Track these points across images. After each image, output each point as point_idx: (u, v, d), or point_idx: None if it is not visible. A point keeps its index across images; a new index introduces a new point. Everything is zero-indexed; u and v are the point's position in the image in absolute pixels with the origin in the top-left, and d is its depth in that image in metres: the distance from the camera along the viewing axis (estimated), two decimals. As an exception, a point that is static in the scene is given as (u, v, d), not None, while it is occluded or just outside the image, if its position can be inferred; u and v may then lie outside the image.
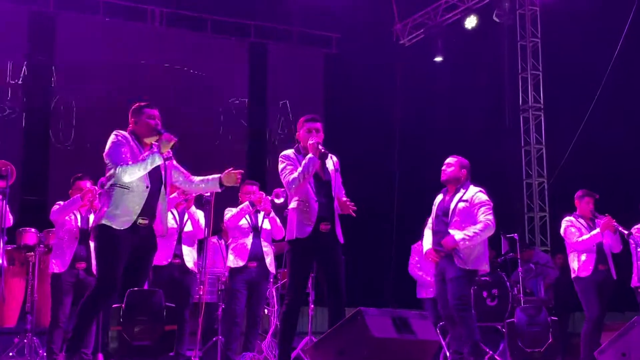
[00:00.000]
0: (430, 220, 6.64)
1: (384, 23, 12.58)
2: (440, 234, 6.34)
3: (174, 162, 5.40)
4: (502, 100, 12.83)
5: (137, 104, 5.46)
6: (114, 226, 5.06)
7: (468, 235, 6.16)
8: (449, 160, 6.71)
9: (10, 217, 6.88)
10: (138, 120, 5.33)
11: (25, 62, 11.10)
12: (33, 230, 7.62)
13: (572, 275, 7.43)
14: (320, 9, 12.04)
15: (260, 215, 7.46)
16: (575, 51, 11.45)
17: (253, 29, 12.56)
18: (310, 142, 5.51)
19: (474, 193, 6.44)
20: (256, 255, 7.32)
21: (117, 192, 5.10)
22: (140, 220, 5.11)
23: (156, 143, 5.14)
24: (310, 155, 5.50)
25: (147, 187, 5.12)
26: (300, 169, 5.50)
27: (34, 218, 8.74)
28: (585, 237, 7.26)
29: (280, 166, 5.67)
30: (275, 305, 8.17)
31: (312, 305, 8.15)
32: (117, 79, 11.55)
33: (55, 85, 11.31)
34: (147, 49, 11.87)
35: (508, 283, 8.50)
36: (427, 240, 6.54)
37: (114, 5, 11.65)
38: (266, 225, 7.47)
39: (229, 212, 7.43)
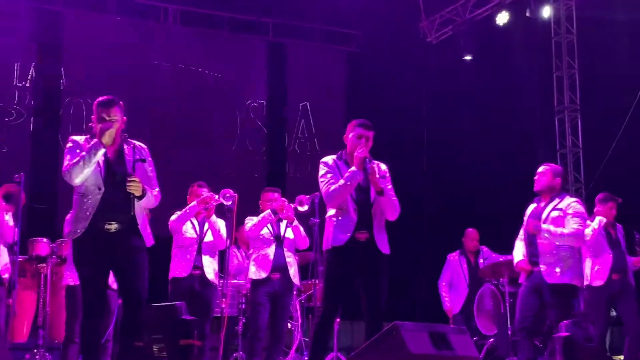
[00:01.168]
0: (521, 232, 6.68)
1: (409, 20, 12.56)
2: (534, 245, 6.45)
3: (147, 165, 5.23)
4: (535, 100, 12.76)
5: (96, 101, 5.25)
6: (73, 236, 5.05)
7: (552, 230, 6.27)
8: (541, 169, 6.81)
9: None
10: (94, 119, 5.15)
11: (33, 64, 11.17)
12: (45, 240, 7.65)
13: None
14: (341, 6, 12.05)
15: (283, 224, 7.45)
16: (613, 48, 11.37)
17: (271, 27, 12.58)
18: (357, 154, 5.44)
19: (569, 202, 6.51)
20: (279, 266, 7.30)
21: (75, 199, 5.09)
22: (106, 226, 5.02)
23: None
24: (353, 168, 5.46)
25: (99, 189, 5.00)
26: (341, 181, 5.46)
27: (44, 227, 8.80)
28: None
29: (320, 173, 5.65)
30: (299, 319, 8.17)
31: (338, 319, 8.15)
32: (129, 80, 11.62)
33: (64, 87, 11.37)
34: (160, 49, 11.92)
35: (545, 295, 8.45)
36: (519, 252, 6.66)
37: (126, 3, 11.71)
38: (289, 234, 7.46)
39: (250, 221, 7.43)
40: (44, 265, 7.47)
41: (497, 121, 12.22)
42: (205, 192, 7.32)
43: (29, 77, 11.15)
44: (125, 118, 5.15)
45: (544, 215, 6.47)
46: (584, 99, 12.70)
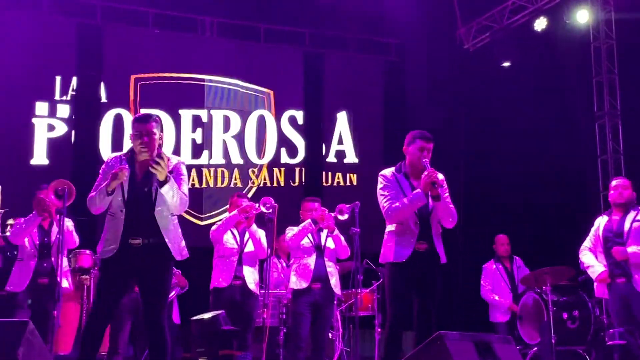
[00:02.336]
0: (588, 243, 6.90)
1: (446, 27, 12.51)
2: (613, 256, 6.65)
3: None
4: (574, 106, 12.63)
5: (135, 116, 5.41)
6: (104, 255, 5.13)
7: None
8: (622, 182, 6.91)
9: (76, 237, 7.02)
10: (131, 136, 5.20)
11: (74, 77, 11.32)
12: (88, 252, 7.75)
13: None
14: (378, 15, 12.08)
15: (324, 234, 7.46)
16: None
17: (308, 37, 12.62)
18: (424, 177, 5.43)
19: None
20: (320, 276, 7.32)
21: (106, 219, 5.18)
22: (130, 241, 5.06)
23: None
24: (418, 190, 5.46)
25: (121, 211, 5.07)
26: (405, 202, 5.48)
27: (86, 239, 8.88)
28: None
29: (379, 186, 5.68)
30: (340, 330, 8.15)
31: (379, 329, 8.11)
32: (169, 91, 11.74)
33: (104, 100, 11.49)
34: (198, 60, 12.02)
35: (590, 304, 8.36)
36: (595, 262, 6.92)
37: (164, 16, 11.83)
38: (330, 244, 7.47)
39: (291, 231, 7.45)
40: (87, 277, 7.56)
41: (536, 128, 12.11)
42: (245, 202, 7.35)
43: (70, 91, 11.28)
44: (162, 133, 5.20)
45: (625, 228, 6.58)
46: (624, 104, 12.54)
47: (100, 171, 5.18)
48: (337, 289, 7.42)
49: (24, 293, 7.13)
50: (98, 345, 5.16)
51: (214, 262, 7.38)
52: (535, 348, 8.39)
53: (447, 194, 5.68)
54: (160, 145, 5.14)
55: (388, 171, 5.73)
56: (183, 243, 5.27)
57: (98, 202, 5.05)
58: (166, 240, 5.11)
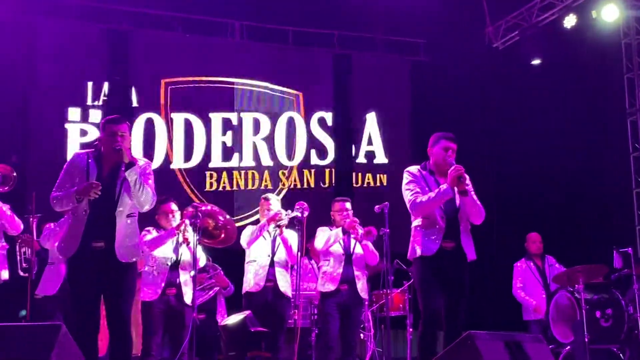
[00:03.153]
0: None
1: (474, 26, 12.43)
2: None
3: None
4: (606, 103, 12.53)
5: (105, 118, 5.44)
6: (67, 254, 5.17)
7: None
8: None
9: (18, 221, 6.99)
10: (102, 137, 5.30)
11: (105, 83, 11.38)
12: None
13: None
14: (405, 15, 11.99)
15: (353, 240, 7.48)
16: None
17: (336, 38, 12.59)
18: (451, 172, 5.45)
19: None
20: (347, 279, 7.39)
21: (66, 217, 5.32)
22: (93, 244, 5.08)
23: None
24: (445, 186, 5.47)
25: (84, 211, 5.10)
26: (432, 195, 5.49)
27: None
28: None
29: (405, 181, 5.72)
30: (372, 330, 8.14)
31: (411, 329, 8.10)
32: (199, 95, 11.81)
33: (135, 105, 11.56)
34: (227, 64, 12.06)
35: (623, 302, 8.27)
36: None
37: (193, 20, 11.87)
38: (358, 250, 7.52)
39: (321, 233, 7.48)
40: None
41: (566, 126, 12.02)
42: (273, 204, 7.39)
43: (102, 96, 11.37)
44: (130, 137, 5.29)
45: None
46: (657, 100, 12.45)
47: (65, 167, 5.24)
48: (363, 293, 7.46)
49: (56, 297, 7.19)
50: (96, 351, 5.17)
51: (245, 267, 7.41)
52: (569, 347, 8.31)
53: (473, 192, 5.67)
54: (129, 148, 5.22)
55: (414, 168, 5.78)
56: (135, 244, 5.30)
57: (65, 205, 5.13)
58: (117, 241, 5.13)
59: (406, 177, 5.71)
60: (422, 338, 5.54)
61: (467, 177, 5.57)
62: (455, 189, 5.52)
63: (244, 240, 7.36)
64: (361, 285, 7.40)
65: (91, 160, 5.21)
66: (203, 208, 7.41)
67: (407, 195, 5.64)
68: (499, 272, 10.56)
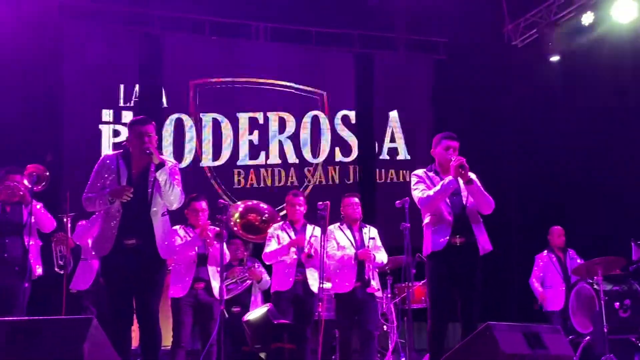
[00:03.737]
0: None
1: (494, 24, 12.36)
2: None
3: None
4: (624, 98, 12.40)
5: (131, 119, 5.49)
6: (101, 253, 5.20)
7: None
8: None
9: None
10: (130, 138, 5.32)
11: (136, 85, 11.47)
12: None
13: None
14: (426, 14, 11.98)
15: (365, 239, 7.50)
16: None
17: (358, 38, 12.57)
18: (453, 163, 5.51)
19: None
20: (361, 279, 7.36)
21: (100, 216, 5.27)
22: (125, 241, 5.11)
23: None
24: (450, 178, 5.52)
25: (118, 211, 5.13)
26: (437, 187, 5.54)
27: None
28: None
29: (413, 182, 5.80)
30: (395, 322, 8.14)
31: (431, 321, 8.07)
32: (226, 95, 11.86)
33: (165, 106, 11.64)
34: (253, 65, 12.08)
35: (642, 292, 8.24)
36: None
37: (219, 23, 11.92)
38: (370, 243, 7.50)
39: (333, 250, 7.49)
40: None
41: (585, 121, 11.91)
42: (300, 200, 7.41)
43: (134, 97, 11.45)
44: (156, 136, 5.32)
45: None
46: (677, 93, 12.32)
47: (95, 169, 5.27)
48: (375, 290, 7.45)
49: (89, 291, 7.24)
50: (129, 344, 5.23)
51: (273, 267, 7.44)
52: (588, 337, 8.29)
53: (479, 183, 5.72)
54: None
55: (420, 171, 5.88)
56: (172, 241, 5.37)
57: (98, 206, 5.17)
58: (157, 239, 5.16)
59: (414, 179, 5.82)
60: (431, 332, 5.63)
61: (468, 167, 5.61)
62: (460, 180, 5.54)
63: (266, 258, 7.41)
64: (375, 284, 7.40)
65: (121, 162, 5.24)
66: (249, 203, 7.47)
67: (416, 194, 5.71)
68: (521, 264, 10.51)
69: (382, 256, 7.46)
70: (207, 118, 11.81)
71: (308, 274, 7.29)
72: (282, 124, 12.15)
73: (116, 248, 5.09)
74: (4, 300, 6.33)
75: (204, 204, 7.11)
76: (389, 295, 8.39)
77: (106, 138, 11.18)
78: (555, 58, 11.97)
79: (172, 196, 5.22)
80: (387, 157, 12.57)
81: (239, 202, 9.40)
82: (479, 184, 5.70)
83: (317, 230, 7.34)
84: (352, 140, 12.45)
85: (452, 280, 5.64)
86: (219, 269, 6.67)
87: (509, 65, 12.47)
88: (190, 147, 11.63)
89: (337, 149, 12.36)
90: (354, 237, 7.47)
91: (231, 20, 11.95)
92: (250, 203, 7.35)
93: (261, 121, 12.06)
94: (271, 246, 7.36)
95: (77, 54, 11.18)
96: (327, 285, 7.45)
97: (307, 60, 12.47)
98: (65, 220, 7.55)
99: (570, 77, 12.16)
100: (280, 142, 12.09)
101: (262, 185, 11.83)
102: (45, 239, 7.14)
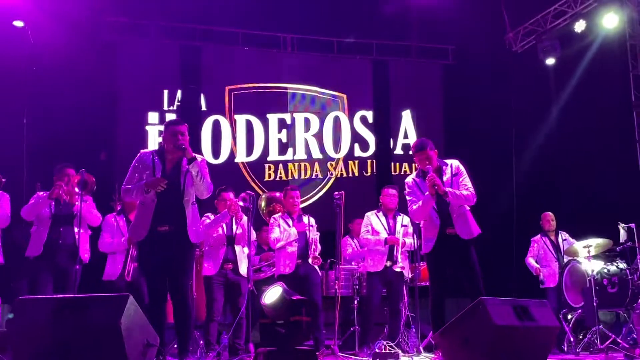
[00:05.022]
0: None
1: (496, 32, 12.23)
2: None
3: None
4: (614, 97, 12.25)
5: (167, 121, 5.50)
6: (137, 239, 5.22)
7: None
8: None
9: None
10: (165, 137, 5.34)
11: (179, 90, 11.52)
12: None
13: None
14: (435, 24, 11.88)
15: (397, 230, 7.48)
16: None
17: (375, 47, 12.51)
18: (427, 180, 5.68)
19: None
20: (391, 259, 7.42)
21: (137, 206, 5.29)
22: (158, 228, 5.11)
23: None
24: (427, 194, 5.70)
25: (152, 201, 5.13)
26: (420, 204, 5.75)
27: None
28: None
29: (405, 190, 5.98)
30: (406, 298, 8.08)
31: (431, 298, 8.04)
32: (257, 99, 11.87)
33: (204, 109, 11.66)
34: (281, 71, 12.09)
35: (627, 271, 8.13)
36: None
37: (252, 35, 11.93)
38: (399, 233, 7.50)
39: (365, 230, 7.53)
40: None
41: (578, 119, 11.78)
42: (297, 194, 7.46)
43: (176, 102, 11.50)
44: (188, 136, 5.31)
45: None
46: (659, 94, 12.17)
47: (133, 164, 5.30)
48: (404, 271, 7.52)
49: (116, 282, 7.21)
50: (164, 319, 5.24)
51: (276, 253, 7.46)
52: (580, 310, 8.22)
53: (463, 179, 5.86)
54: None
55: (409, 179, 6.03)
56: (200, 227, 5.38)
57: (135, 196, 5.19)
58: (188, 225, 5.15)
59: (405, 189, 5.99)
60: (432, 308, 5.76)
61: (458, 166, 5.88)
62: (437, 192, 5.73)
63: (272, 243, 7.41)
64: (405, 264, 7.45)
65: (156, 158, 5.27)
66: (277, 194, 7.47)
67: (408, 205, 5.93)
68: (521, 248, 10.41)
69: (411, 240, 7.46)
70: (240, 119, 11.82)
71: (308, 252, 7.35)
72: (307, 124, 12.14)
73: (151, 234, 5.10)
74: (58, 280, 6.39)
75: (231, 195, 7.14)
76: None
77: (152, 138, 11.24)
78: (550, 62, 11.87)
79: (203, 186, 5.25)
80: (401, 152, 12.50)
81: (263, 195, 9.47)
82: (462, 179, 5.84)
83: (312, 220, 7.44)
84: (370, 137, 12.40)
85: (447, 264, 5.78)
86: (244, 248, 6.67)
87: (509, 68, 12.34)
88: (226, 145, 11.66)
89: (356, 145, 12.32)
90: (388, 223, 7.55)
91: (262, 32, 11.96)
92: (275, 194, 7.35)
93: (288, 121, 12.06)
94: (275, 233, 7.39)
95: (127, 64, 11.27)
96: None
97: (329, 67, 12.43)
98: (115, 206, 7.64)
99: (565, 78, 12.06)
100: (305, 140, 12.08)
101: (290, 178, 11.83)
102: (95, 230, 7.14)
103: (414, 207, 5.78)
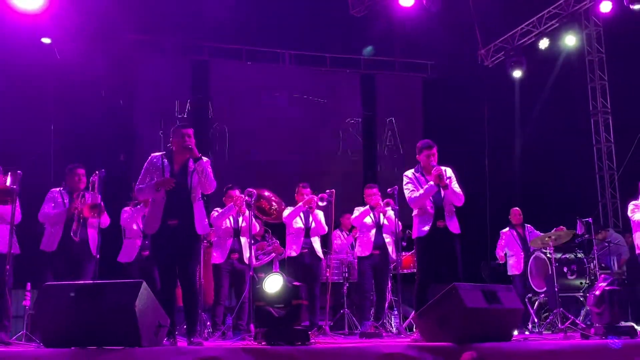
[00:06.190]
0: None
1: (470, 49, 12.26)
2: None
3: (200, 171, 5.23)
4: (574, 106, 12.32)
5: (175, 125, 5.44)
6: (150, 232, 5.18)
7: None
8: None
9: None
10: (173, 140, 5.29)
11: (188, 100, 11.48)
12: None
13: (637, 252, 7.13)
14: (417, 41, 11.87)
15: (381, 214, 7.45)
16: (636, 61, 10.87)
17: (362, 62, 12.51)
18: (433, 172, 5.67)
19: None
20: (378, 245, 7.34)
21: (150, 204, 5.24)
22: (168, 222, 5.06)
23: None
24: (431, 182, 5.67)
25: (163, 198, 5.09)
26: (422, 191, 5.71)
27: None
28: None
29: (404, 182, 5.90)
30: (389, 283, 8.07)
31: (417, 282, 8.01)
32: (258, 108, 11.83)
33: (211, 117, 11.64)
34: (280, 84, 12.04)
35: (585, 259, 8.15)
36: None
37: (254, 51, 11.90)
38: (385, 221, 7.46)
39: (357, 212, 7.47)
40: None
41: (542, 125, 11.84)
42: (307, 192, 7.40)
43: (186, 110, 11.47)
44: (194, 140, 5.27)
45: None
46: (613, 103, 12.27)
47: (145, 166, 5.24)
48: (393, 255, 7.41)
49: (132, 264, 7.17)
50: (174, 302, 5.20)
51: (287, 238, 7.44)
52: (543, 295, 8.23)
53: (455, 183, 5.83)
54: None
55: (409, 172, 5.95)
56: (205, 221, 5.32)
57: (146, 194, 5.19)
58: (195, 219, 5.15)
59: (405, 180, 5.91)
60: (417, 292, 5.71)
61: (445, 175, 5.75)
62: (439, 184, 5.71)
63: (286, 217, 7.36)
64: (391, 250, 7.38)
65: (165, 160, 5.23)
66: (266, 194, 7.46)
67: (407, 193, 5.85)
68: (494, 240, 10.43)
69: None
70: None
71: (313, 242, 7.29)
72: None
73: (162, 227, 5.08)
74: (75, 271, 6.23)
75: (237, 192, 7.14)
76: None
77: (165, 142, 11.21)
78: (517, 74, 11.91)
79: (207, 182, 5.22)
80: (386, 154, 12.50)
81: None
82: (453, 185, 5.79)
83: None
84: (359, 141, 12.39)
85: (436, 253, 5.73)
86: (249, 240, 6.67)
87: (482, 80, 12.37)
88: (233, 149, 11.63)
89: (347, 149, 12.30)
90: (374, 215, 7.43)
91: (263, 48, 11.93)
92: (268, 194, 7.32)
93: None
94: (287, 210, 7.37)
95: (144, 77, 11.23)
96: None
97: (322, 79, 12.38)
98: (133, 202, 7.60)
99: (530, 89, 12.13)
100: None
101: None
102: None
103: (415, 195, 5.73)
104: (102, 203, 5.96)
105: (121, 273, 7.05)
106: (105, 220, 6.40)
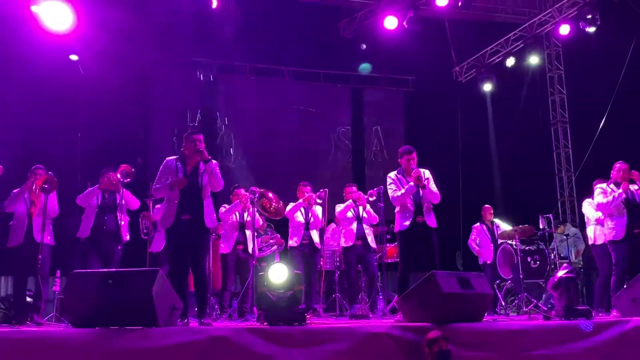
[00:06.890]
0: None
1: (446, 66, 12.29)
2: None
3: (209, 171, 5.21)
4: (537, 117, 12.36)
5: (187, 132, 5.43)
6: (165, 226, 5.16)
7: None
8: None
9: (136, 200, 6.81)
10: (185, 145, 5.27)
11: (199, 110, 11.46)
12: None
13: (589, 243, 7.14)
14: (399, 59, 11.88)
15: (360, 209, 7.41)
16: (591, 77, 10.94)
17: (352, 77, 12.51)
18: (413, 174, 5.75)
19: None
20: (360, 236, 7.29)
21: (165, 201, 5.24)
22: (182, 217, 5.04)
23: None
24: (411, 183, 5.76)
25: (177, 196, 5.08)
26: (403, 191, 5.79)
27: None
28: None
29: (387, 183, 5.97)
30: (376, 272, 8.08)
31: (400, 270, 8.00)
32: (261, 117, 11.83)
33: (219, 125, 11.62)
34: (280, 97, 12.01)
35: (546, 251, 8.18)
36: None
37: (256, 67, 11.89)
38: (365, 214, 7.42)
39: (338, 208, 7.45)
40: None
41: (509, 133, 11.90)
42: (308, 190, 7.37)
43: (197, 119, 11.45)
44: (204, 144, 5.26)
45: None
46: (571, 114, 12.32)
47: (161, 169, 5.24)
48: (373, 244, 7.38)
49: (162, 252, 7.20)
50: (186, 290, 5.18)
51: (289, 230, 7.43)
52: (509, 281, 8.25)
53: (432, 183, 5.90)
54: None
55: (392, 174, 6.01)
56: (214, 216, 5.30)
57: (162, 193, 5.17)
58: (205, 215, 5.14)
59: (388, 180, 5.99)
60: (400, 280, 5.76)
61: (429, 174, 5.89)
62: (418, 184, 5.80)
63: (288, 212, 7.35)
64: (371, 239, 7.30)
65: (178, 163, 5.24)
66: (270, 195, 7.44)
67: (390, 192, 5.93)
68: (467, 233, 10.46)
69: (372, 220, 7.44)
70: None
71: (312, 234, 7.28)
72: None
73: (176, 222, 5.08)
74: (104, 259, 6.33)
75: (243, 190, 7.14)
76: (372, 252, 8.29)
77: (178, 147, 11.18)
78: (487, 88, 11.95)
79: (216, 182, 5.22)
80: (372, 158, 12.51)
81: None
82: (430, 185, 5.85)
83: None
84: (348, 147, 12.38)
85: (416, 245, 5.76)
86: (252, 233, 6.66)
87: (456, 94, 12.40)
88: (239, 153, 11.60)
89: (337, 153, 12.29)
90: (355, 211, 7.35)
91: (264, 65, 11.92)
92: (271, 194, 7.31)
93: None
94: (289, 206, 7.34)
95: (159, 90, 11.20)
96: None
97: (317, 92, 12.35)
98: (148, 202, 7.57)
99: (499, 102, 12.18)
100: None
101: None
102: (133, 216, 7.11)
103: (397, 194, 5.80)
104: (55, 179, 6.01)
105: (153, 260, 7.07)
106: (135, 201, 6.49)
